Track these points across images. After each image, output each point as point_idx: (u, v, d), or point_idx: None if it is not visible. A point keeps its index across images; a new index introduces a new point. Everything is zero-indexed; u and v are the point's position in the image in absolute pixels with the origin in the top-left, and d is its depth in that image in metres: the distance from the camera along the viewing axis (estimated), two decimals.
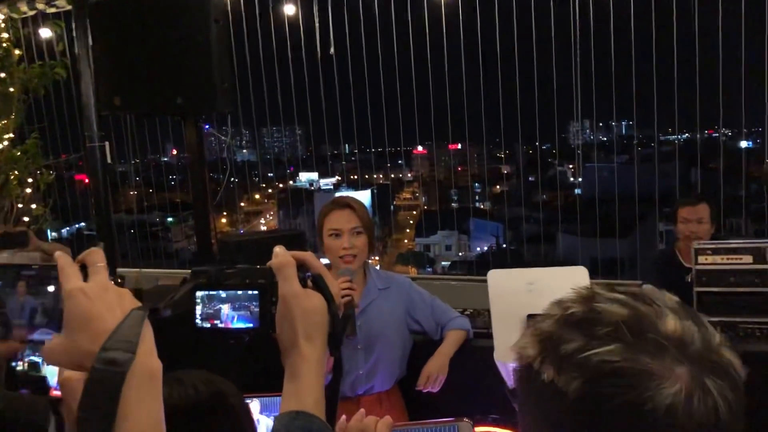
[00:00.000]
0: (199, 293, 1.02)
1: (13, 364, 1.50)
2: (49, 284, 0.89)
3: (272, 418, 1.49)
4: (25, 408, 1.16)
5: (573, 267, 2.12)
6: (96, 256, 0.85)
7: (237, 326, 1.01)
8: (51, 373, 1.56)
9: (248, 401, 1.49)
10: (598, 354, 0.76)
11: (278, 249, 1.02)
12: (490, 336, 3.33)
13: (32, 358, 1.51)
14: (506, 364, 1.97)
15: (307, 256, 1.03)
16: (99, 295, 0.81)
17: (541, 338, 0.84)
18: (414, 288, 3.07)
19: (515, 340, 1.55)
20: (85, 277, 0.84)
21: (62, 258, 0.84)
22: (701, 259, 3.28)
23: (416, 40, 6.24)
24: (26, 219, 5.01)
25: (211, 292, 1.02)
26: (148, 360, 0.79)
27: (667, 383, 0.74)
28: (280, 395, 1.51)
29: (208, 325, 1.02)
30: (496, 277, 2.10)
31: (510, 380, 1.76)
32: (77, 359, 0.79)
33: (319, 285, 1.01)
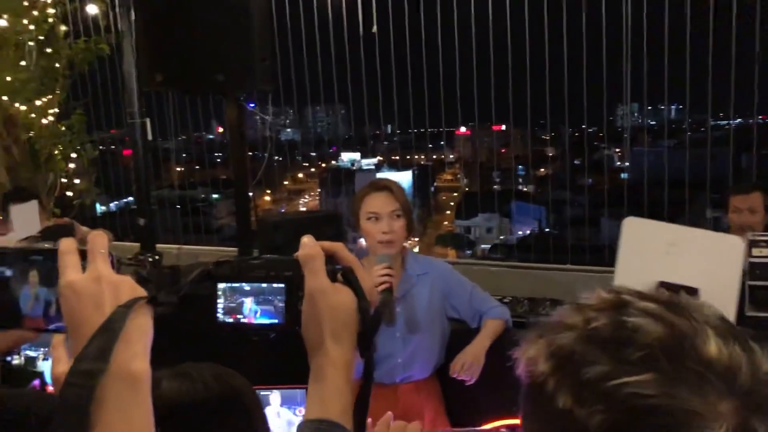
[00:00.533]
0: (221, 285, 0.95)
1: (8, 358, 1.47)
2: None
3: (293, 411, 1.45)
4: (35, 402, 1.13)
5: (726, 235, 1.73)
6: (96, 241, 0.80)
7: (260, 321, 0.94)
8: (48, 368, 1.53)
9: (268, 393, 1.44)
10: (629, 385, 0.66)
11: (306, 239, 0.93)
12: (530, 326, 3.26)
13: (28, 352, 1.48)
14: None
15: (338, 247, 0.94)
16: (88, 290, 0.76)
17: (557, 354, 0.73)
18: (454, 274, 3.00)
19: None
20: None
21: (64, 244, 0.80)
22: (755, 251, 3.13)
23: (461, 18, 6.10)
24: (70, 193, 5.07)
25: (234, 285, 0.95)
26: (129, 365, 0.73)
27: (710, 425, 0.64)
28: (301, 387, 1.48)
29: (231, 320, 0.95)
30: (632, 226, 1.68)
31: None
32: (74, 353, 0.75)
33: (350, 279, 0.93)
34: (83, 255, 0.80)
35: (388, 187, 2.81)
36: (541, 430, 0.75)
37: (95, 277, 0.78)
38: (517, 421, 2.62)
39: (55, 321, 0.85)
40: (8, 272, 0.86)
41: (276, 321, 0.94)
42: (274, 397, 1.48)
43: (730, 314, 1.52)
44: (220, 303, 0.95)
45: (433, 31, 6.38)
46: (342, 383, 0.90)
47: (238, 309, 0.95)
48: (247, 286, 0.95)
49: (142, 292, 0.80)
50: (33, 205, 3.69)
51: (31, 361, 1.56)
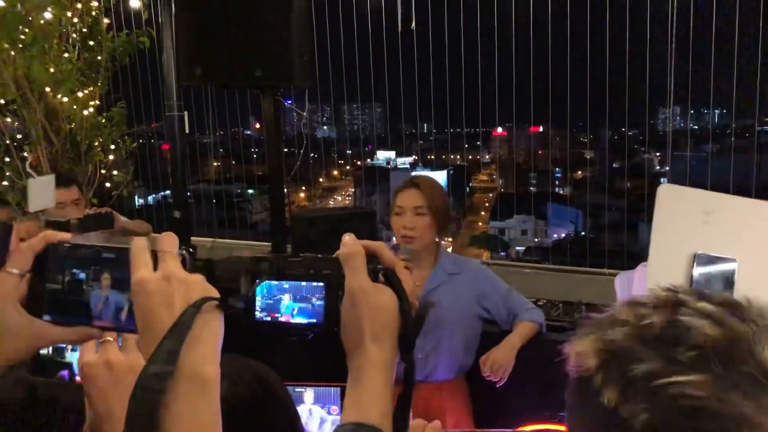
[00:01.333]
0: (259, 281, 0.93)
1: None
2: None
3: (327, 409, 1.43)
4: (65, 393, 1.12)
5: (766, 202, 1.57)
6: (167, 241, 0.80)
7: (297, 320, 0.92)
8: (76, 358, 1.53)
9: (302, 390, 1.42)
10: (678, 385, 0.64)
11: (347, 237, 0.91)
12: (564, 330, 3.21)
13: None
14: None
15: (379, 246, 0.92)
16: (159, 289, 0.76)
17: (606, 350, 0.71)
18: (488, 276, 2.95)
19: (674, 278, 1.38)
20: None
21: (136, 242, 0.80)
22: None
23: (500, 17, 6.03)
24: (108, 185, 5.14)
25: (272, 282, 0.93)
26: (198, 366, 0.73)
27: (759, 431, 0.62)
28: (335, 385, 1.46)
29: (269, 319, 0.92)
30: (667, 194, 1.57)
31: None
32: (143, 352, 0.76)
33: (392, 279, 0.90)
34: (154, 256, 0.80)
35: (417, 184, 2.81)
36: (584, 426, 0.74)
37: (166, 275, 0.77)
38: (547, 427, 2.56)
39: (127, 326, 0.86)
40: (81, 275, 0.85)
41: (314, 320, 0.92)
42: (308, 394, 1.47)
43: (766, 285, 1.45)
44: (258, 301, 0.93)
45: (473, 30, 6.33)
46: (382, 386, 0.87)
47: (275, 306, 0.92)
48: (286, 284, 0.92)
49: (213, 291, 0.79)
50: (50, 180, 3.73)
51: (59, 351, 1.57)
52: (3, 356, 0.79)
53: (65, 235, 0.84)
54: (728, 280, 1.40)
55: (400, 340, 0.89)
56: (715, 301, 0.72)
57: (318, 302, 0.91)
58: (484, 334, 2.93)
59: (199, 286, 0.78)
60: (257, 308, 0.93)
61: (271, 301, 0.92)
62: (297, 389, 1.36)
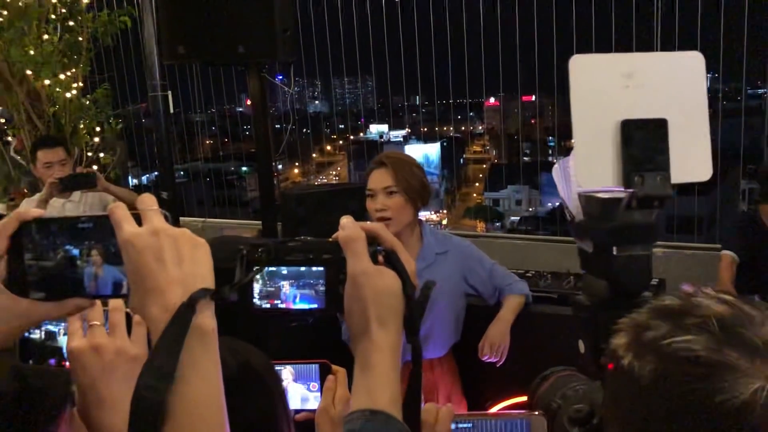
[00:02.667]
0: (256, 269, 0.90)
1: (27, 334, 1.47)
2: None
3: (307, 386, 1.43)
4: (47, 379, 1.12)
5: (685, 52, 1.48)
6: (146, 200, 0.79)
7: (299, 306, 0.90)
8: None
9: (281, 369, 1.42)
10: (679, 342, 0.73)
11: (345, 220, 0.89)
12: (551, 301, 3.21)
13: (49, 327, 1.48)
14: (570, 188, 1.52)
15: (378, 228, 0.90)
16: (148, 244, 0.75)
17: (631, 326, 0.80)
18: (473, 252, 2.93)
19: (603, 158, 1.34)
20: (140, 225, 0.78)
21: (113, 205, 0.79)
22: None
23: None
24: (95, 167, 5.10)
25: (271, 269, 0.91)
26: (198, 380, 0.73)
27: (749, 380, 0.68)
28: (314, 362, 1.46)
29: (268, 305, 0.91)
30: (579, 63, 1.44)
31: (573, 208, 1.51)
32: (136, 308, 0.77)
33: (393, 261, 0.89)
34: (137, 218, 0.78)
35: (384, 162, 2.70)
36: (609, 389, 0.83)
37: (153, 230, 0.76)
38: (522, 399, 2.58)
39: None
40: (74, 251, 0.83)
41: (316, 306, 0.91)
42: (287, 372, 1.47)
43: (705, 138, 1.40)
44: (257, 287, 0.91)
45: (458, 2, 6.27)
46: (389, 370, 0.87)
47: (276, 293, 0.91)
48: (284, 270, 0.91)
49: (201, 242, 0.78)
50: (58, 154, 3.93)
51: (51, 335, 1.56)
52: None
53: (37, 212, 0.82)
54: (662, 142, 1.35)
55: (404, 322, 0.89)
56: (734, 296, 0.79)
57: (320, 287, 0.90)
58: (469, 307, 2.93)
59: (187, 238, 0.78)
60: (256, 295, 0.91)
61: (273, 288, 0.91)
62: (276, 367, 1.35)
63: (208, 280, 0.76)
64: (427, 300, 0.92)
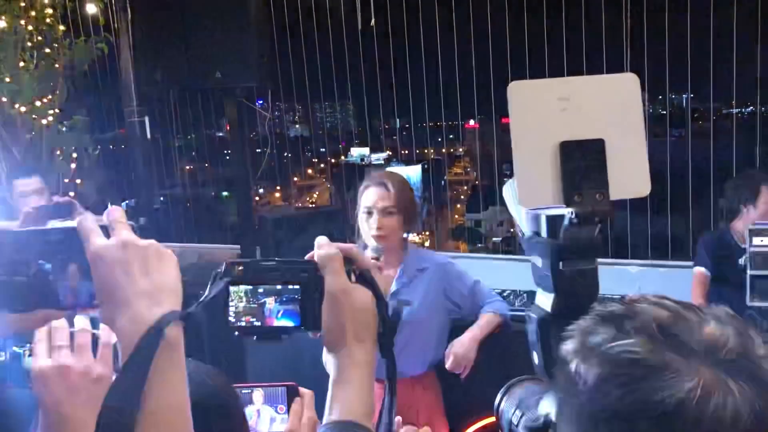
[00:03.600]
0: (233, 288, 0.92)
1: None
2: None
3: (275, 408, 1.44)
4: (12, 401, 1.12)
5: (619, 74, 1.54)
6: (115, 213, 0.81)
7: (281, 323, 0.92)
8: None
9: (249, 392, 1.43)
10: (621, 345, 0.76)
11: (321, 240, 0.93)
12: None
13: (14, 349, 1.47)
14: (523, 209, 1.55)
15: (353, 248, 0.95)
16: (116, 258, 0.76)
17: (578, 332, 0.83)
18: (453, 268, 2.96)
19: (544, 178, 1.38)
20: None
21: (83, 219, 0.80)
22: (756, 240, 3.08)
23: (459, 12, 6.06)
24: (72, 194, 5.07)
25: (248, 287, 0.93)
26: (165, 403, 0.75)
27: (684, 378, 0.72)
28: (282, 385, 1.47)
29: (243, 323, 0.92)
30: (518, 89, 1.49)
31: (523, 226, 1.54)
32: (104, 319, 0.78)
33: (367, 280, 0.93)
34: (104, 230, 0.80)
35: (384, 183, 2.79)
36: (561, 397, 0.85)
37: (122, 243, 0.78)
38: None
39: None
40: (47, 265, 0.83)
41: (293, 324, 0.93)
42: (257, 395, 1.47)
43: (642, 156, 1.44)
44: (233, 305, 0.93)
45: (432, 30, 6.36)
46: (366, 383, 0.90)
47: (257, 310, 0.92)
48: (261, 289, 0.93)
49: (168, 253, 0.80)
50: (34, 183, 3.84)
51: (16, 357, 1.55)
52: None
53: (9, 224, 0.83)
54: (599, 161, 1.39)
55: (379, 338, 0.92)
56: (676, 301, 0.82)
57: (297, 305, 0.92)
58: (455, 327, 2.94)
59: (153, 251, 0.79)
60: (231, 314, 0.92)
61: (255, 305, 0.92)
62: (244, 391, 1.36)
63: (175, 292, 0.78)
64: (399, 318, 0.96)
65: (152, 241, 0.80)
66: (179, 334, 0.77)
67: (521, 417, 1.17)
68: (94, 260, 0.78)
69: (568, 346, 0.83)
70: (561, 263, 1.38)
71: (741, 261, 3.22)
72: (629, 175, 1.42)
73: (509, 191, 1.51)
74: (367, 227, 2.74)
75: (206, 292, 0.90)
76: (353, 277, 0.93)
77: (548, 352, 1.34)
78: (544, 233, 1.44)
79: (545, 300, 1.44)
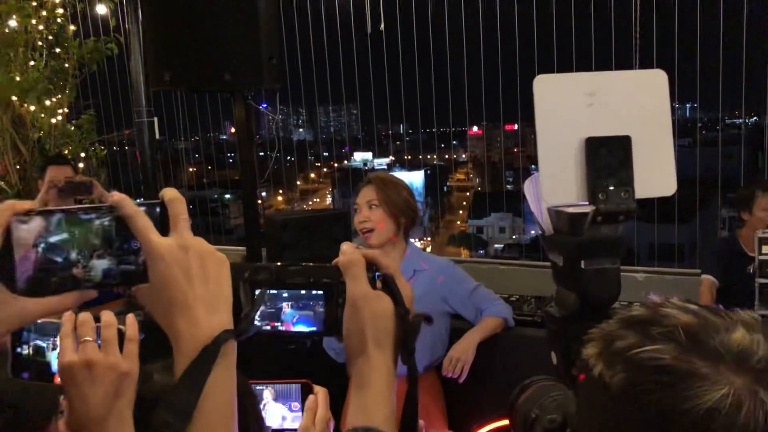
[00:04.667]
0: (258, 291, 0.93)
1: (18, 350, 1.47)
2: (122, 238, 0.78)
3: (288, 406, 1.44)
4: (32, 395, 1.12)
5: (647, 70, 1.49)
6: (178, 207, 0.78)
7: (298, 329, 0.93)
8: (55, 358, 1.52)
9: (262, 388, 1.43)
10: (647, 351, 0.75)
11: (346, 246, 0.94)
12: (536, 324, 3.23)
13: (38, 342, 1.48)
14: (541, 204, 1.52)
15: (377, 254, 0.95)
16: (177, 259, 0.76)
17: (601, 336, 0.83)
18: (455, 271, 2.96)
19: (568, 174, 1.36)
20: (165, 230, 0.78)
21: (131, 206, 0.77)
22: (766, 249, 3.08)
23: (468, 16, 6.08)
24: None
25: (272, 291, 0.93)
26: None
27: (714, 387, 0.71)
28: (295, 382, 1.47)
29: (268, 327, 0.93)
30: (544, 83, 1.45)
31: (543, 223, 1.53)
32: (157, 316, 0.78)
33: (390, 286, 0.93)
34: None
35: (371, 180, 2.89)
36: (581, 399, 0.85)
37: (183, 245, 0.77)
38: (505, 423, 2.60)
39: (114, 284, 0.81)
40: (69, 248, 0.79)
41: (315, 329, 0.93)
42: (268, 392, 1.47)
43: (669, 154, 1.43)
44: (259, 309, 0.93)
45: (441, 30, 6.36)
46: (385, 389, 0.90)
47: (276, 315, 0.93)
48: (285, 293, 0.93)
49: (224, 260, 0.79)
50: (66, 171, 4.08)
51: (40, 350, 1.56)
52: None
53: (29, 204, 0.77)
54: (625, 158, 1.38)
55: (400, 345, 0.93)
56: (700, 305, 0.81)
57: (320, 309, 0.93)
58: (455, 329, 2.94)
59: (214, 258, 0.79)
60: (257, 317, 0.93)
61: (273, 310, 0.93)
62: (257, 387, 1.36)
63: (229, 299, 0.79)
64: (419, 325, 0.96)
65: (211, 248, 0.80)
66: (234, 345, 0.79)
67: (537, 417, 1.17)
68: (154, 258, 0.77)
69: (590, 350, 0.82)
70: (582, 261, 1.37)
71: (749, 269, 3.23)
72: (655, 174, 1.41)
73: (530, 186, 1.50)
74: (356, 222, 2.83)
75: (242, 300, 0.90)
76: (378, 284, 0.93)
77: (567, 353, 1.33)
78: (565, 230, 1.43)
79: (565, 298, 1.43)
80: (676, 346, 0.75)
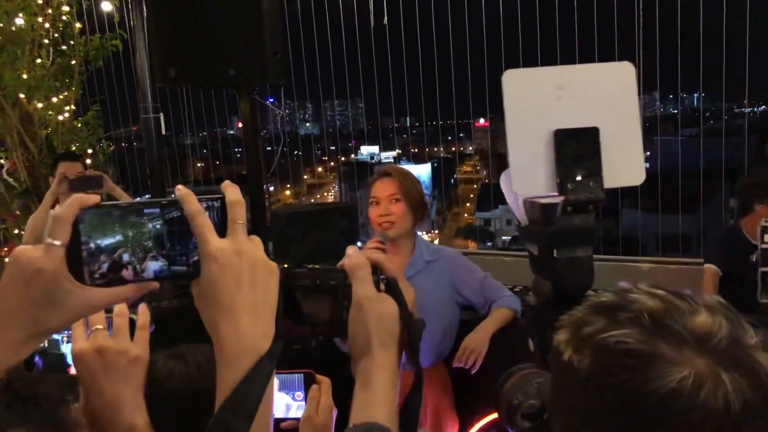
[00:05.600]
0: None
1: None
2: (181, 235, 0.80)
3: (291, 395, 1.46)
4: (44, 385, 1.16)
5: (614, 63, 1.52)
6: (239, 211, 0.79)
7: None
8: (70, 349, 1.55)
9: None
10: (614, 336, 0.78)
11: (351, 250, 0.96)
12: None
13: (53, 335, 1.51)
14: (518, 196, 1.54)
15: (382, 258, 0.97)
16: (230, 264, 0.77)
17: (571, 322, 0.85)
18: (464, 262, 2.99)
19: (537, 166, 1.39)
20: (223, 230, 0.78)
21: (195, 203, 0.78)
22: None
23: (471, 7, 6.07)
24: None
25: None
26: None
27: (676, 369, 0.73)
28: (299, 372, 1.50)
29: None
30: (513, 78, 1.47)
31: (520, 214, 1.56)
32: (202, 316, 0.79)
33: (393, 289, 0.96)
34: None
35: (389, 173, 2.87)
36: (553, 383, 0.87)
37: (238, 250, 0.78)
38: None
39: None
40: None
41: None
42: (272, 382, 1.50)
43: (637, 144, 1.45)
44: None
45: (444, 22, 6.36)
46: (389, 388, 0.93)
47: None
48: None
49: (274, 269, 0.81)
50: (77, 167, 4.16)
51: (53, 343, 1.60)
52: (54, 328, 0.77)
53: (94, 198, 0.79)
54: (594, 149, 1.39)
55: (405, 346, 0.95)
56: (666, 290, 0.83)
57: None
58: (463, 321, 2.96)
59: (265, 266, 0.79)
60: None
61: None
62: None
63: (274, 308, 0.81)
64: (422, 328, 0.98)
65: (264, 256, 0.80)
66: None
67: (519, 404, 1.20)
68: (208, 259, 0.77)
69: (560, 336, 0.85)
70: (555, 251, 1.40)
71: (752, 258, 3.23)
72: (624, 164, 1.44)
73: (506, 180, 1.53)
74: (375, 216, 2.80)
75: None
76: (382, 287, 0.96)
77: (543, 340, 1.36)
78: (539, 221, 1.46)
79: (541, 287, 1.46)
80: (641, 330, 0.77)
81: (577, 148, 1.40)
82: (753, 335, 0.78)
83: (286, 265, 0.96)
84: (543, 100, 1.48)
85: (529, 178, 1.43)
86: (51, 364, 1.51)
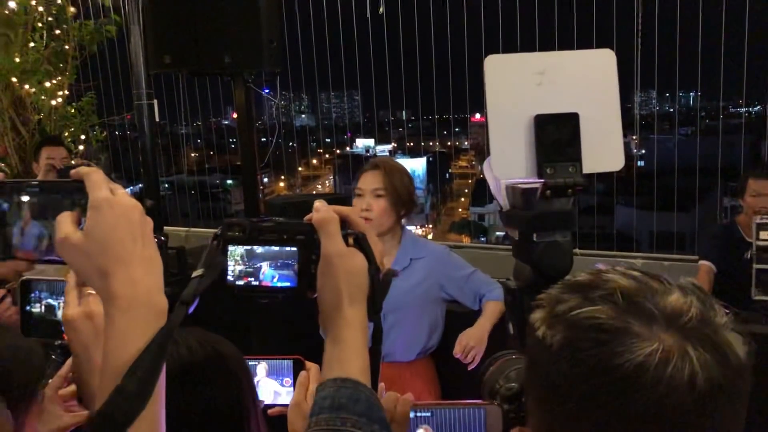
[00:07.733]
0: (232, 248, 0.94)
1: (27, 308, 1.51)
2: (56, 209, 0.82)
3: (280, 381, 1.45)
4: (20, 362, 1.14)
5: (596, 50, 1.54)
6: (96, 175, 0.82)
7: (279, 285, 0.94)
8: None
9: (255, 364, 1.44)
10: (586, 312, 0.78)
11: (319, 203, 0.94)
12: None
13: (49, 301, 1.51)
14: (500, 181, 1.56)
15: (350, 211, 0.96)
16: (125, 214, 0.78)
17: (547, 300, 0.85)
18: (451, 258, 2.95)
19: (517, 150, 1.40)
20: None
21: (93, 172, 0.81)
22: (763, 234, 3.08)
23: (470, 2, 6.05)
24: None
25: (246, 248, 0.93)
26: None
27: (645, 344, 0.74)
28: (288, 358, 1.48)
29: (241, 283, 0.94)
30: (495, 64, 1.48)
31: (501, 199, 1.57)
32: (87, 269, 0.78)
33: (362, 244, 0.94)
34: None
35: (378, 165, 2.81)
36: (527, 361, 0.87)
37: (134, 204, 0.80)
38: None
39: (48, 254, 0.86)
40: (5, 205, 0.85)
41: (288, 284, 0.94)
42: (261, 367, 1.48)
43: (617, 131, 1.47)
44: (231, 266, 0.94)
45: (442, 15, 6.34)
46: (360, 344, 0.92)
47: (255, 274, 0.94)
48: (259, 249, 0.94)
49: (151, 222, 0.82)
50: (61, 152, 4.19)
51: (50, 309, 1.59)
52: None
53: None
54: (573, 134, 1.41)
55: (368, 302, 0.94)
56: (642, 271, 0.83)
57: (295, 266, 0.94)
58: (450, 313, 2.94)
59: (149, 223, 0.82)
60: (230, 273, 0.94)
61: (251, 269, 0.94)
62: (250, 363, 1.37)
63: (161, 264, 0.81)
64: (389, 284, 0.97)
65: (149, 220, 0.83)
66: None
67: (500, 388, 1.20)
68: (101, 207, 0.78)
69: (536, 315, 0.85)
70: (534, 235, 1.41)
71: (746, 255, 3.23)
72: (603, 150, 1.45)
73: (489, 167, 1.53)
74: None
75: (204, 255, 0.91)
76: (350, 241, 0.94)
77: (522, 323, 1.36)
78: (519, 205, 1.47)
79: (521, 271, 1.47)
80: (613, 306, 0.78)
81: (556, 134, 1.42)
82: (723, 316, 0.78)
83: (252, 219, 0.95)
84: (524, 86, 1.49)
85: (509, 162, 1.44)
86: (46, 330, 1.50)
